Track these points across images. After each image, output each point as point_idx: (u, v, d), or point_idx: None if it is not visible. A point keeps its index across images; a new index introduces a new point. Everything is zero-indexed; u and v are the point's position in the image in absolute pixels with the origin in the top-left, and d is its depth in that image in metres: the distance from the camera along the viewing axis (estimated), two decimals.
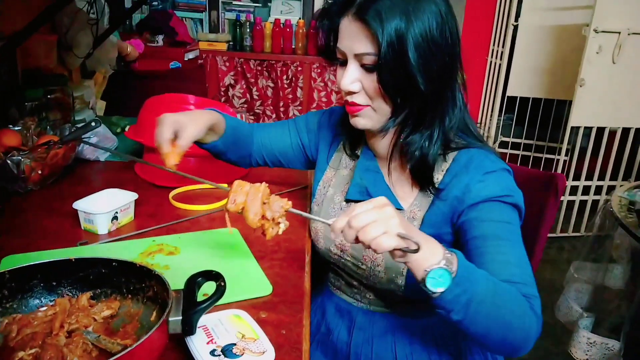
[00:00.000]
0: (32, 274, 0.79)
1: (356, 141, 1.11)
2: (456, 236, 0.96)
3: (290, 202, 0.88)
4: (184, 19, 4.27)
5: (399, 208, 1.00)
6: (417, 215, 0.99)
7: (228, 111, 1.51)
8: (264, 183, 0.90)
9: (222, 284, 0.73)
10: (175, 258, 1.03)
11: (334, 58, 0.96)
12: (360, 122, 0.96)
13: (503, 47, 3.68)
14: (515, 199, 0.92)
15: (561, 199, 1.11)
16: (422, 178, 0.97)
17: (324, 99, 3.97)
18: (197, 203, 1.29)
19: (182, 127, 0.98)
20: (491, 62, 3.82)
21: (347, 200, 1.08)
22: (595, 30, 2.81)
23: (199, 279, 0.76)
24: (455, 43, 0.90)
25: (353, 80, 0.92)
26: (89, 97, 1.89)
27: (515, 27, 3.59)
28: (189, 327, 0.70)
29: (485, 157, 0.95)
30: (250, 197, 0.88)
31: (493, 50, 3.80)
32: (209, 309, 0.71)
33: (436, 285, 0.74)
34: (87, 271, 0.81)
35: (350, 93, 0.94)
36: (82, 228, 1.14)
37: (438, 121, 0.93)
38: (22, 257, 0.99)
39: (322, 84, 3.93)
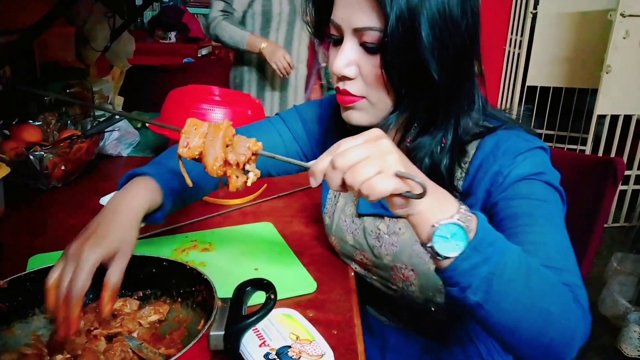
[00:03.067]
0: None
1: None
2: None
3: (260, 143, 0.67)
4: (196, 15, 4.22)
5: None
6: None
7: (252, 102, 1.45)
8: (226, 120, 0.69)
9: (273, 296, 0.65)
10: (210, 254, 0.97)
11: (325, 35, 0.78)
12: (354, 116, 0.78)
13: (522, 36, 3.60)
14: (548, 177, 0.73)
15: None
16: None
17: None
18: (228, 197, 1.24)
19: (110, 258, 0.67)
20: (509, 51, 3.74)
21: (360, 215, 0.91)
22: (622, 15, 2.72)
23: (248, 288, 0.68)
24: (476, 24, 0.73)
25: (349, 62, 0.73)
26: (108, 91, 1.84)
27: (534, 15, 3.50)
28: (232, 344, 0.62)
29: (516, 137, 0.77)
30: (209, 138, 0.67)
31: (511, 39, 3.72)
32: (255, 325, 0.63)
33: (447, 249, 0.57)
34: (138, 270, 0.75)
35: (344, 79, 0.75)
36: None
37: (452, 122, 0.76)
38: (50, 257, 0.94)
39: None
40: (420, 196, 0.56)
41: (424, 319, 0.93)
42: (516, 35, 3.66)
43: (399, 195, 0.57)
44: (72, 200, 1.21)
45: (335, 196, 0.98)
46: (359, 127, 0.78)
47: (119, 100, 2.12)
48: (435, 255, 0.58)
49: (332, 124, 0.95)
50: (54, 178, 1.23)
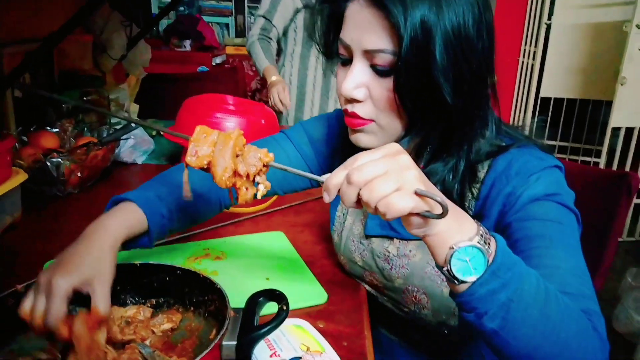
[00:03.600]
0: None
1: None
2: None
3: (272, 154, 0.64)
4: (210, 24, 4.27)
5: None
6: None
7: (266, 112, 1.46)
8: (237, 129, 0.66)
9: (285, 307, 0.65)
10: (222, 263, 0.98)
11: (334, 54, 0.75)
12: (363, 139, 0.75)
13: (535, 46, 3.58)
14: (562, 198, 0.71)
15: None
16: None
17: None
18: (239, 205, 1.25)
19: (86, 282, 0.64)
20: (523, 62, 3.72)
21: (368, 236, 0.88)
22: (638, 26, 2.71)
23: (261, 299, 0.68)
24: (492, 45, 0.70)
25: (358, 84, 0.70)
26: (124, 99, 1.87)
27: (548, 26, 3.49)
28: (243, 355, 0.62)
29: (529, 156, 0.74)
30: (219, 147, 0.64)
31: (525, 50, 3.71)
32: (266, 335, 0.64)
33: (465, 272, 0.55)
34: (152, 278, 0.77)
35: (353, 101, 0.72)
36: None
37: (466, 147, 0.73)
38: None
39: None
40: (441, 216, 0.53)
41: (436, 340, 0.91)
42: (530, 46, 3.65)
43: (418, 214, 0.54)
44: (87, 206, 1.22)
45: (343, 214, 0.94)
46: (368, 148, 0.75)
47: (135, 108, 2.15)
48: (451, 278, 0.56)
49: (341, 142, 0.91)
50: (70, 184, 1.25)
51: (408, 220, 0.56)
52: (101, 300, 0.64)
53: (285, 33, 2.16)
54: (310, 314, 0.83)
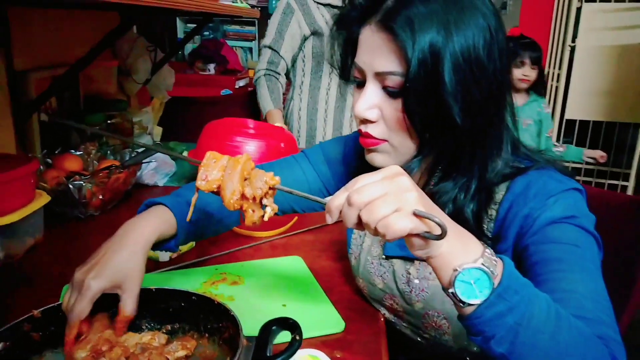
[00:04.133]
0: (112, 301, 0.74)
1: None
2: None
3: (278, 178, 0.66)
4: (234, 48, 4.33)
5: None
6: None
7: (287, 135, 1.47)
8: (246, 154, 0.68)
9: (298, 337, 0.64)
10: (239, 288, 0.97)
11: (350, 77, 0.77)
12: (377, 159, 0.76)
13: (560, 69, 3.55)
14: (581, 220, 0.69)
15: None
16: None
17: None
18: (258, 229, 1.24)
19: (117, 285, 0.70)
20: (551, 85, 3.69)
21: (388, 257, 0.87)
22: None
23: (274, 327, 0.67)
24: (504, 68, 0.71)
25: (370, 105, 0.72)
26: (147, 122, 1.89)
27: (572, 48, 3.46)
28: None
29: (548, 178, 0.73)
30: (228, 171, 0.66)
31: (549, 72, 3.67)
32: None
33: (470, 295, 0.54)
34: (167, 303, 0.76)
35: (366, 122, 0.74)
36: None
37: (478, 167, 0.73)
38: None
39: None
40: (440, 237, 0.53)
41: None
42: (554, 68, 3.61)
43: (418, 235, 0.54)
44: (108, 229, 1.21)
45: (360, 236, 0.94)
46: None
47: (158, 131, 2.18)
48: (457, 301, 0.56)
49: (357, 163, 0.91)
50: (92, 207, 1.27)
51: (409, 242, 0.56)
52: (128, 303, 0.70)
53: (294, 63, 2.03)
54: (327, 343, 0.81)
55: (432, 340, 0.84)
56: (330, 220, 0.58)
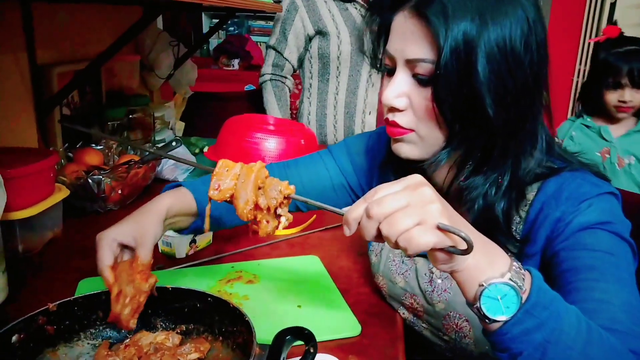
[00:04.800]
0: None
1: (415, 173, 0.84)
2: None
3: (292, 187, 0.64)
4: (259, 44, 4.33)
5: None
6: None
7: (307, 131, 1.45)
8: (259, 162, 0.66)
9: (312, 350, 0.62)
10: (254, 287, 0.95)
11: (382, 65, 0.75)
12: (403, 149, 0.74)
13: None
14: (616, 227, 0.66)
15: None
16: (489, 235, 0.64)
17: None
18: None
19: (134, 239, 0.75)
20: (577, 82, 3.58)
21: (410, 255, 0.86)
22: None
23: (288, 337, 0.64)
24: (542, 61, 0.68)
25: (399, 93, 0.70)
26: (169, 117, 1.89)
27: None
28: None
29: (582, 181, 0.70)
30: (241, 179, 0.65)
31: (580, 69, 3.57)
32: None
33: (496, 311, 0.52)
34: (183, 303, 0.76)
35: (394, 110, 0.72)
36: (160, 251, 1.09)
37: (510, 163, 0.70)
38: (98, 281, 0.95)
39: None
40: (466, 252, 0.51)
41: None
42: (585, 65, 3.51)
43: (442, 250, 0.52)
44: None
45: None
46: (409, 161, 0.75)
47: (180, 126, 2.18)
48: (482, 317, 0.53)
49: (381, 156, 0.90)
50: (111, 201, 1.27)
51: (432, 256, 0.54)
52: (142, 251, 0.74)
53: (302, 62, 1.94)
54: (343, 347, 0.79)
55: (452, 342, 0.82)
56: (348, 232, 0.56)
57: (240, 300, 0.90)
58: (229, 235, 1.19)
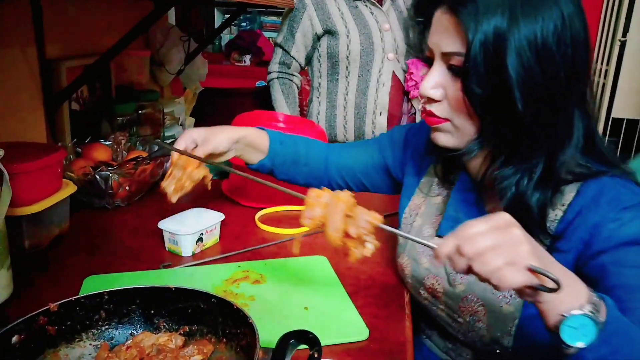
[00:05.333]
0: (131, 298, 0.74)
1: (451, 164, 0.89)
2: None
3: (380, 217, 0.68)
4: (271, 39, 4.31)
5: None
6: None
7: (317, 129, 1.43)
8: (346, 191, 0.71)
9: (317, 354, 0.60)
10: (261, 287, 0.94)
11: (425, 58, 0.80)
12: (440, 138, 0.79)
13: (608, 64, 3.38)
14: None
15: None
16: (521, 225, 0.72)
17: None
18: (284, 226, 1.21)
19: (203, 139, 0.91)
20: (594, 81, 3.52)
21: (440, 237, 0.87)
22: None
23: (292, 340, 0.63)
24: (577, 56, 0.69)
25: (435, 84, 0.75)
26: (179, 113, 1.88)
27: (622, 43, 3.29)
28: None
29: (622, 188, 0.72)
30: (331, 209, 0.70)
31: (596, 68, 3.51)
32: None
33: (575, 339, 0.56)
34: (186, 304, 0.74)
35: (430, 100, 0.77)
36: (166, 249, 1.08)
37: (543, 154, 0.71)
38: (104, 278, 0.95)
39: None
40: (554, 291, 0.54)
41: None
42: (601, 64, 3.45)
43: (530, 287, 0.55)
44: (133, 221, 1.22)
45: (411, 216, 0.96)
46: (446, 150, 0.80)
47: (190, 122, 2.17)
48: (561, 342, 0.57)
49: (417, 147, 0.99)
50: (119, 198, 1.26)
51: (520, 291, 0.57)
52: (200, 149, 0.91)
53: (309, 62, 1.89)
54: (350, 352, 0.77)
55: (465, 325, 0.84)
56: (437, 265, 0.64)
57: (246, 301, 0.89)
58: (237, 233, 1.17)
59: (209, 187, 0.90)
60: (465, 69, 0.69)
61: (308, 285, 0.95)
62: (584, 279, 0.67)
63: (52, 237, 1.08)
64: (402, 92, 1.88)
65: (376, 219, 0.68)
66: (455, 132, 0.77)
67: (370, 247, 0.69)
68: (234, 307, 0.70)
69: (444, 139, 0.79)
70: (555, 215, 0.74)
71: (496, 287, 0.56)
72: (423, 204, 0.94)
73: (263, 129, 1.03)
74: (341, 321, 0.84)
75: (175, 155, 0.90)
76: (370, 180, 1.08)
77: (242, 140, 0.97)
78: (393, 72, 1.82)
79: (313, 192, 0.72)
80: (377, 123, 1.83)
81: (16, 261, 0.93)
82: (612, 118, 3.43)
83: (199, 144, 0.91)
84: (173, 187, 0.89)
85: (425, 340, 0.97)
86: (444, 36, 0.72)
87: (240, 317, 0.68)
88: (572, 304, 0.56)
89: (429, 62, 0.78)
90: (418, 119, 2.02)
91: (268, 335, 0.66)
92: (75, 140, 1.36)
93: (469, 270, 0.57)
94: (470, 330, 0.83)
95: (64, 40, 1.39)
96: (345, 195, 0.70)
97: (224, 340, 0.72)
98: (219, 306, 0.72)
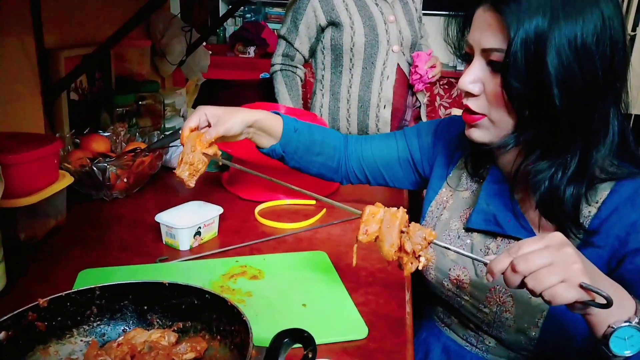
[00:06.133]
0: (124, 293, 0.73)
1: (481, 158, 0.92)
2: None
3: (435, 233, 0.72)
4: (275, 31, 4.27)
5: None
6: None
7: (319, 122, 1.41)
8: (401, 208, 0.75)
9: (311, 354, 0.59)
10: (258, 283, 0.92)
11: (463, 55, 0.82)
12: (476, 134, 0.81)
13: None
14: None
15: None
16: (553, 219, 0.78)
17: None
18: (283, 220, 1.18)
19: (218, 119, 0.89)
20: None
21: (468, 229, 0.90)
22: None
23: (286, 339, 0.61)
24: (616, 56, 0.70)
25: (474, 79, 0.77)
26: (180, 104, 1.86)
27: (632, 38, 3.24)
28: None
29: None
30: (386, 225, 0.73)
31: None
32: None
33: (623, 349, 0.60)
34: (180, 300, 0.72)
35: (468, 95, 0.79)
36: (164, 242, 1.06)
37: (578, 150, 0.73)
38: (98, 272, 0.93)
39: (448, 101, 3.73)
40: (605, 307, 0.57)
41: (510, 349, 0.88)
42: None
43: (582, 302, 0.58)
44: (131, 213, 1.20)
45: (437, 209, 0.97)
46: (479, 145, 0.82)
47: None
48: (609, 351, 0.61)
49: (445, 144, 1.00)
50: (116, 190, 1.24)
51: (572, 306, 0.60)
52: (213, 130, 0.88)
53: (313, 53, 1.87)
54: (347, 351, 0.75)
55: (491, 315, 0.85)
56: (490, 279, 0.63)
57: (243, 297, 0.87)
58: (236, 227, 1.15)
59: (220, 163, 0.90)
60: (505, 65, 0.71)
61: (307, 282, 0.93)
62: (618, 279, 0.70)
63: (48, 229, 1.07)
64: (406, 85, 1.85)
65: (431, 235, 0.71)
66: (492, 127, 0.78)
67: (423, 260, 0.72)
68: (227, 303, 0.68)
69: (479, 135, 0.80)
70: (588, 212, 0.77)
71: (548, 302, 0.58)
72: (451, 198, 0.96)
73: (278, 113, 1.01)
74: (340, 319, 0.82)
75: (186, 133, 0.89)
76: (392, 174, 1.07)
77: (255, 124, 0.95)
78: (398, 64, 1.79)
79: (369, 209, 0.75)
80: (381, 116, 1.80)
81: (11, 253, 0.91)
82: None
83: (212, 124, 0.90)
84: (187, 172, 0.88)
85: (444, 328, 0.98)
86: (486, 33, 0.74)
87: (234, 314, 0.66)
88: (621, 317, 0.60)
89: (467, 58, 0.80)
90: (423, 112, 2.00)
91: (264, 333, 0.65)
92: (73, 131, 1.34)
93: (522, 286, 0.60)
94: (496, 320, 0.85)
95: (62, 29, 1.37)
96: (400, 212, 0.74)
97: (218, 337, 0.70)
98: (213, 302, 0.70)
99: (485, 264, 0.64)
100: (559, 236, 0.61)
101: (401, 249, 0.71)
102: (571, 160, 0.73)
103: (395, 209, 0.74)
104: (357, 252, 0.76)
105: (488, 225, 0.86)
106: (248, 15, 4.62)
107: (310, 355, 0.57)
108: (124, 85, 1.61)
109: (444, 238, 0.93)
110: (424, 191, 1.05)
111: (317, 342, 0.72)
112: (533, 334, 0.80)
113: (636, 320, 0.60)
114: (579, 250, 0.75)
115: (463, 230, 0.91)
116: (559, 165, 0.74)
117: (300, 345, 0.60)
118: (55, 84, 1.30)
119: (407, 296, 0.91)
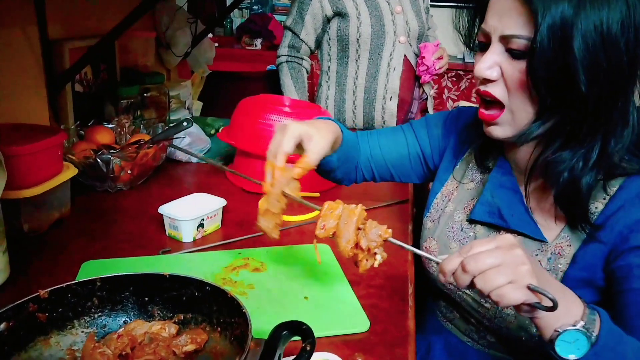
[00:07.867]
0: (125, 285, 0.72)
1: (488, 150, 0.91)
2: (608, 282, 0.75)
3: (390, 230, 0.72)
4: (282, 23, 4.26)
5: (542, 239, 0.80)
6: (566, 252, 0.78)
7: (324, 114, 1.40)
8: (360, 205, 0.75)
9: (309, 347, 0.58)
10: (261, 275, 0.91)
11: (474, 45, 0.80)
12: (496, 131, 0.79)
13: None
14: None
15: None
16: (570, 210, 0.77)
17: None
18: (287, 213, 1.17)
19: (309, 138, 0.79)
20: None
21: (471, 221, 0.89)
22: None
23: (285, 332, 0.60)
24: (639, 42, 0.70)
25: (492, 64, 0.74)
26: (185, 96, 1.86)
27: None
28: None
29: None
30: (343, 221, 0.74)
31: None
32: None
33: (568, 352, 0.61)
34: (181, 291, 0.72)
35: (486, 82, 0.76)
36: (167, 234, 1.06)
37: (599, 138, 0.72)
38: (102, 263, 0.93)
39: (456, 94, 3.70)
40: (550, 310, 0.58)
41: (511, 345, 0.88)
42: None
43: (529, 304, 0.59)
44: (135, 205, 1.20)
45: (443, 201, 0.96)
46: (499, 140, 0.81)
47: (198, 106, 2.15)
48: (555, 354, 0.62)
49: (453, 136, 0.98)
50: (121, 181, 1.24)
51: (518, 307, 0.61)
52: (313, 152, 0.79)
53: (319, 44, 1.85)
54: (349, 344, 0.74)
55: (492, 310, 0.85)
56: (443, 279, 0.64)
57: (245, 289, 0.87)
58: (239, 220, 1.15)
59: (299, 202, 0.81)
60: (531, 51, 0.69)
61: (309, 274, 0.92)
62: (609, 274, 0.74)
63: (52, 220, 1.07)
64: (413, 76, 1.84)
65: (386, 232, 0.72)
66: (511, 120, 0.77)
67: (379, 258, 0.73)
68: (228, 295, 0.67)
69: (498, 132, 0.79)
70: (595, 207, 0.76)
71: (496, 303, 0.59)
72: (456, 190, 0.95)
73: (336, 121, 0.94)
74: (341, 312, 0.81)
75: (281, 162, 0.78)
76: (401, 170, 1.05)
77: (337, 134, 0.88)
78: (404, 56, 1.77)
79: (327, 205, 0.76)
80: (387, 108, 1.79)
81: (15, 245, 0.91)
82: None
83: (307, 146, 0.80)
84: (272, 224, 0.82)
85: (446, 323, 0.98)
86: (506, 19, 0.72)
87: (235, 305, 0.66)
88: (567, 320, 0.61)
89: (481, 47, 0.78)
90: (430, 104, 1.98)
91: (265, 325, 0.64)
92: (78, 122, 1.34)
93: (472, 286, 0.60)
94: (498, 315, 0.84)
95: (66, 20, 1.37)
96: (358, 209, 0.74)
97: (219, 329, 0.70)
98: (213, 294, 0.70)
99: (437, 264, 0.64)
100: (509, 238, 0.62)
101: (357, 245, 0.73)
102: (592, 150, 0.73)
103: (354, 205, 0.75)
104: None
105: (491, 218, 0.85)
106: (255, 7, 4.60)
107: (308, 348, 0.57)
108: (128, 77, 1.61)
109: (447, 231, 0.91)
110: (430, 184, 1.04)
111: (319, 334, 0.72)
112: (534, 330, 0.79)
113: (581, 324, 0.60)
114: (584, 244, 0.75)
115: (466, 223, 0.90)
116: (580, 155, 0.73)
117: (299, 337, 0.59)
118: (60, 76, 1.30)
119: (410, 290, 0.90)
